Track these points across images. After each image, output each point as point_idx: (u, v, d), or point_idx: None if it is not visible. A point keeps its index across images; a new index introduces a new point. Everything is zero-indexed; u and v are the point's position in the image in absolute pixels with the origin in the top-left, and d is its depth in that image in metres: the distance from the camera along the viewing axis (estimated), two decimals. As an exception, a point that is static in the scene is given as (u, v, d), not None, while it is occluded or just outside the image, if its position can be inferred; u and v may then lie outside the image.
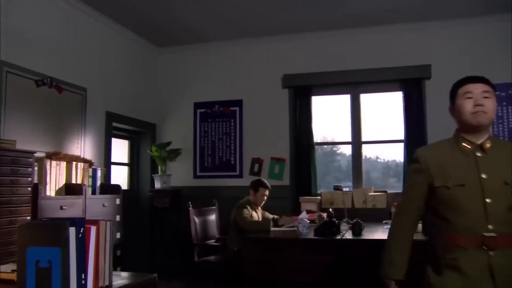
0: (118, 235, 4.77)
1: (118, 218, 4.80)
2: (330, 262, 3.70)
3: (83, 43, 5.10)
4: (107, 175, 5.42)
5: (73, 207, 4.10)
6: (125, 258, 5.22)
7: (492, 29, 5.42)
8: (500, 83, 5.21)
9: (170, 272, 5.67)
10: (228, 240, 4.76)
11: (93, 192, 4.69)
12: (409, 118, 5.55)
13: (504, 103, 5.35)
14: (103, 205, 4.57)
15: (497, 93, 5.15)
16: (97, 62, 5.36)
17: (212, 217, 5.29)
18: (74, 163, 4.47)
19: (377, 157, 6.04)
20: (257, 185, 4.86)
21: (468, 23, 5.49)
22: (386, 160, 6.09)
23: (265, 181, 4.92)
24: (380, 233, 4.14)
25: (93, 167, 4.77)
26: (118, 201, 4.82)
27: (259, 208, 4.97)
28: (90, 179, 4.70)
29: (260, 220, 4.85)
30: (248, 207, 4.73)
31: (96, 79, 5.30)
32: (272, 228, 4.52)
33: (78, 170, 4.52)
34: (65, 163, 4.38)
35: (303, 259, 3.80)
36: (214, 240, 5.13)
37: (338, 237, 3.78)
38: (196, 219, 5.00)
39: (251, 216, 4.69)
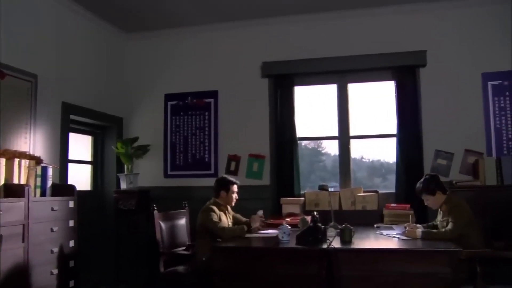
0: (71, 243, 4.13)
1: (71, 223, 4.17)
2: (315, 275, 3.16)
3: (34, 24, 4.49)
4: (63, 174, 4.83)
5: (11, 212, 3.47)
6: (83, 269, 4.63)
7: (492, 11, 4.97)
8: (502, 71, 4.81)
9: (137, 284, 5.17)
10: (196, 248, 4.18)
11: (43, 194, 4.06)
12: (402, 110, 5.08)
13: (507, 93, 4.84)
14: (52, 209, 3.94)
15: (499, 82, 4.77)
16: (52, 47, 4.75)
17: (182, 221, 4.72)
18: (17, 160, 3.83)
19: (362, 157, 5.55)
20: (227, 183, 4.33)
21: (466, 5, 5.03)
22: (376, 159, 5.63)
23: (231, 177, 4.44)
24: (372, 241, 3.62)
25: (42, 165, 4.13)
26: (71, 204, 4.20)
27: (229, 209, 4.42)
28: (39, 179, 4.06)
29: (231, 225, 4.29)
30: (216, 210, 4.17)
31: (49, 66, 4.69)
32: (247, 235, 3.97)
33: (22, 168, 3.87)
34: (4, 160, 3.74)
35: (283, 271, 3.27)
36: (184, 248, 4.57)
37: (325, 245, 3.21)
38: (163, 224, 4.42)
39: (220, 220, 4.12)
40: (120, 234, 5.47)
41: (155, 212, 4.34)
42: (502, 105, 4.86)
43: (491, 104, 4.87)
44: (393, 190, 5.10)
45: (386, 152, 5.44)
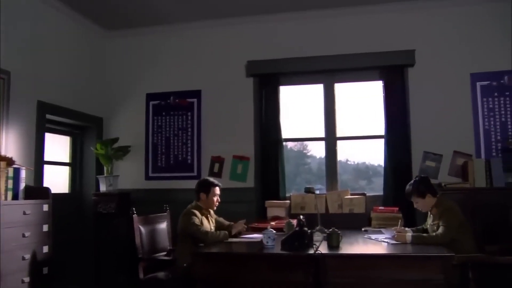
0: (44, 249, 3.92)
1: (45, 228, 3.97)
2: (301, 282, 3.03)
3: (7, 18, 4.26)
4: (38, 176, 4.61)
5: (-22, 216, 3.25)
6: (59, 276, 4.43)
7: (481, 11, 4.88)
8: (491, 71, 4.74)
9: (117, 290, 4.93)
10: (177, 254, 4.00)
11: (15, 197, 3.85)
12: (390, 111, 4.97)
13: (496, 94, 4.75)
14: (24, 213, 3.73)
15: (487, 82, 4.69)
16: (26, 43, 4.53)
17: (163, 225, 4.53)
18: (-15, 161, 3.62)
19: (347, 160, 5.45)
20: (208, 185, 4.15)
21: (455, 4, 4.94)
22: (362, 161, 5.53)
23: (213, 179, 4.26)
24: (361, 245, 3.48)
25: (14, 166, 3.92)
26: (46, 208, 4.00)
27: (212, 212, 4.25)
28: (11, 181, 3.85)
29: (213, 230, 4.11)
30: (198, 213, 3.99)
31: (24, 63, 4.48)
32: (230, 239, 3.81)
33: (-9, 169, 3.66)
34: (-29, 161, 3.53)
35: (268, 278, 3.12)
36: (164, 253, 4.38)
37: (311, 251, 3.06)
38: (143, 228, 4.23)
39: (202, 224, 3.94)
40: (99, 238, 5.27)
41: (134, 216, 4.15)
42: (491, 106, 4.77)
43: (480, 105, 4.79)
44: (379, 193, 4.99)
45: (372, 154, 5.35)
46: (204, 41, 5.55)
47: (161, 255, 4.31)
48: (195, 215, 3.93)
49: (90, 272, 5.27)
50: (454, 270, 2.99)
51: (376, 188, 5.21)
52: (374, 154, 5.28)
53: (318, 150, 5.49)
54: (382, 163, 5.02)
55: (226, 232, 3.95)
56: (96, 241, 5.28)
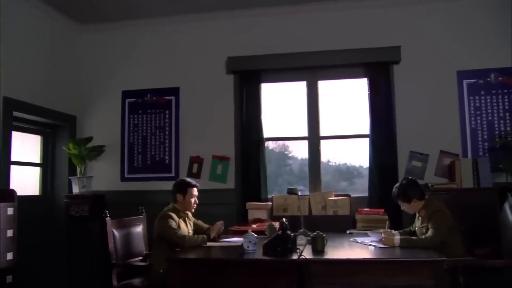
0: (8, 256, 3.66)
1: (9, 233, 3.70)
2: (285, 290, 2.80)
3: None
4: (4, 177, 4.36)
5: None
6: (28, 284, 4.17)
7: (468, 7, 4.79)
8: (478, 69, 4.63)
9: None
10: (153, 259, 3.78)
11: (-23, 200, 3.58)
12: (375, 109, 4.81)
13: (483, 92, 4.64)
14: (-14, 217, 3.46)
15: (474, 80, 4.58)
16: (-10, 36, 4.25)
17: (138, 229, 4.31)
18: None
19: (328, 161, 5.27)
20: (184, 186, 3.94)
21: None
22: (343, 162, 5.36)
23: (190, 180, 4.04)
24: (347, 250, 3.31)
25: (-24, 166, 3.65)
26: (10, 211, 3.73)
27: (189, 215, 4.04)
28: (-27, 183, 3.59)
29: (191, 233, 3.92)
30: (175, 216, 3.78)
31: (-13, 57, 4.20)
32: (209, 243, 3.61)
33: (-49, 170, 3.39)
34: None
35: (249, 285, 2.93)
36: (140, 258, 4.16)
37: (295, 256, 2.87)
38: (116, 232, 4.00)
39: (179, 227, 3.73)
40: (72, 243, 5.04)
41: (108, 219, 3.91)
42: (478, 104, 4.67)
43: (467, 104, 4.68)
44: (361, 194, 4.86)
45: (354, 155, 5.22)
46: (183, 36, 5.35)
47: (137, 261, 4.11)
48: (172, 218, 3.71)
49: (62, 279, 5.02)
50: (444, 275, 2.82)
51: (358, 189, 5.10)
52: (356, 154, 5.16)
53: (299, 151, 5.35)
54: (364, 163, 4.92)
55: (205, 236, 3.74)
56: (69, 246, 5.05)
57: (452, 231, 3.40)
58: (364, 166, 5.16)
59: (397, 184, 3.65)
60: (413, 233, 3.69)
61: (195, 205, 3.96)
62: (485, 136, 4.62)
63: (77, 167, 5.15)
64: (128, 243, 4.09)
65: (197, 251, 3.36)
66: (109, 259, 3.86)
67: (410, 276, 2.74)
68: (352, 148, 5.15)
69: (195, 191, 3.94)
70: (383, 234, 3.43)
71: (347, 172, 5.37)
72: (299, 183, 5.25)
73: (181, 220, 3.83)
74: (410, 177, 3.69)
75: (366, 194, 4.81)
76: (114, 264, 3.85)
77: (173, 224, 3.66)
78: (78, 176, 5.12)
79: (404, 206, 3.62)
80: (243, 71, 5.09)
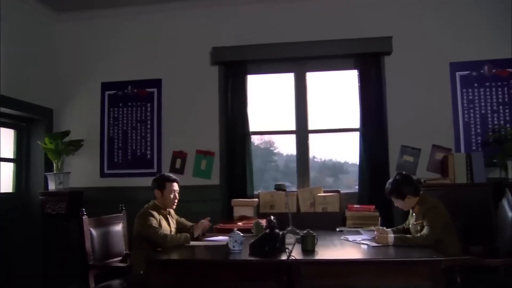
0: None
1: (-22, 232, 3.45)
2: (273, 293, 2.63)
3: None
4: (-26, 173, 4.08)
5: None
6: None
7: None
8: (471, 60, 4.51)
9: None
10: (132, 260, 3.57)
11: None
12: (365, 102, 4.67)
13: (476, 84, 4.51)
14: (-48, 216, 3.22)
15: (467, 72, 4.44)
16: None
17: (118, 227, 4.09)
18: None
19: (314, 157, 5.11)
20: (161, 180, 3.72)
21: (436, -13, 4.71)
22: (328, 158, 5.23)
23: (169, 174, 3.84)
24: (339, 249, 3.14)
25: None
26: (-21, 209, 3.48)
27: (172, 212, 3.83)
28: None
29: (174, 232, 3.71)
30: (155, 214, 3.56)
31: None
32: (192, 242, 3.43)
33: None
34: None
35: (235, 288, 2.71)
36: (120, 258, 3.93)
37: (284, 256, 2.68)
38: (94, 231, 3.77)
39: (160, 225, 3.52)
40: (48, 243, 4.86)
41: (84, 217, 3.67)
42: (471, 97, 4.53)
43: (460, 96, 4.55)
44: (348, 190, 4.73)
45: (340, 150, 5.10)
46: (165, 26, 5.16)
47: (116, 261, 3.88)
48: (152, 216, 3.49)
49: (37, 280, 4.84)
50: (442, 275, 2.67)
51: (344, 185, 4.99)
52: (343, 150, 5.06)
53: (285, 147, 5.24)
54: (350, 159, 4.81)
55: (188, 234, 3.53)
56: (45, 245, 4.87)
57: (448, 228, 3.25)
58: (350, 162, 5.07)
59: (391, 180, 3.48)
60: (406, 230, 3.54)
61: (175, 201, 3.74)
62: (478, 130, 4.49)
63: (54, 163, 4.93)
64: (106, 242, 3.87)
65: (179, 252, 3.15)
66: (86, 259, 3.65)
67: (406, 277, 2.59)
68: (339, 143, 5.03)
69: (174, 186, 3.72)
70: (375, 232, 3.27)
71: (333, 168, 5.25)
72: (285, 179, 5.11)
73: (162, 217, 3.61)
74: (404, 173, 3.52)
75: (352, 190, 4.69)
76: (91, 265, 3.63)
77: (154, 223, 3.44)
78: (55, 172, 4.92)
79: (397, 203, 3.46)
80: (228, 62, 4.92)
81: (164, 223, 3.60)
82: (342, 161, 5.18)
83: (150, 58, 5.15)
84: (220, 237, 3.63)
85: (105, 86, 5.22)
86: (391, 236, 3.11)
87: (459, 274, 2.94)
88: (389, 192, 3.44)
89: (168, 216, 3.73)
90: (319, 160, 5.20)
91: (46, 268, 4.83)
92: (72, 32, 5.34)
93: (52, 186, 4.88)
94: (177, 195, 3.74)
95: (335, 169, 5.23)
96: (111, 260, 3.84)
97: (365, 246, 3.09)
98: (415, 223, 3.37)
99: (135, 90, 5.14)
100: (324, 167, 5.22)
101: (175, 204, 3.75)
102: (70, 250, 4.71)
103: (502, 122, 4.45)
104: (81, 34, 5.33)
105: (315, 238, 2.97)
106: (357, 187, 4.68)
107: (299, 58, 4.83)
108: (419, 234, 3.16)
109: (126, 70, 5.19)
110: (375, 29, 4.67)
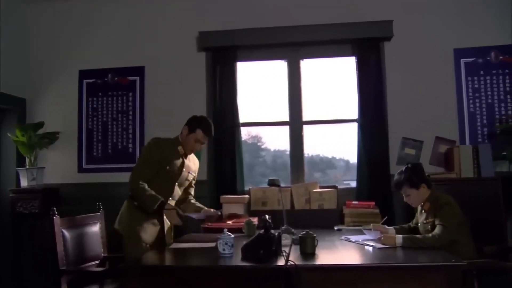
0: None
1: None
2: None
3: None
4: None
5: None
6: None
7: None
8: (476, 46, 4.31)
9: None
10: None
11: None
12: (364, 91, 4.41)
13: (482, 72, 4.26)
14: None
15: (472, 59, 4.16)
16: None
17: (95, 228, 3.72)
18: None
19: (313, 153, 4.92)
20: (195, 123, 3.43)
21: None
22: (316, 153, 4.97)
23: (211, 126, 3.49)
24: (341, 251, 2.83)
25: None
26: None
27: (195, 160, 3.63)
28: None
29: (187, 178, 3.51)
30: (166, 144, 3.40)
31: None
32: (177, 244, 3.09)
33: None
34: None
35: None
36: (97, 262, 3.61)
37: (281, 261, 2.35)
38: (67, 233, 3.40)
39: (167, 158, 3.32)
40: (19, 245, 4.55)
41: (56, 217, 3.30)
42: (476, 86, 4.29)
43: (464, 85, 4.31)
44: (354, 185, 4.44)
45: (327, 145, 4.89)
46: (148, 8, 4.88)
47: (92, 265, 3.54)
48: (158, 143, 3.35)
49: (6, 285, 4.54)
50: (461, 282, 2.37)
51: (330, 181, 4.78)
52: (331, 144, 4.86)
53: (273, 142, 5.01)
54: (337, 155, 4.69)
55: (167, 203, 3.25)
56: (15, 248, 4.56)
57: (462, 227, 2.96)
58: (338, 157, 4.93)
59: (401, 170, 3.18)
60: (413, 229, 3.24)
61: (193, 150, 3.48)
62: (485, 121, 4.26)
63: (26, 157, 4.62)
64: (81, 245, 3.50)
65: (161, 257, 2.81)
66: (57, 264, 3.29)
67: (421, 284, 2.28)
68: (331, 137, 4.81)
69: (203, 139, 3.41)
70: (378, 231, 2.97)
71: (320, 163, 5.03)
72: (274, 175, 4.78)
73: (175, 152, 3.38)
74: (415, 162, 3.25)
75: (342, 186, 4.47)
76: (64, 271, 3.27)
77: (148, 153, 3.32)
78: (27, 167, 4.62)
79: (409, 196, 3.14)
80: (216, 48, 4.64)
81: (174, 157, 3.36)
82: (330, 156, 5.00)
83: (132, 44, 4.88)
84: (194, 214, 3.38)
85: (83, 74, 4.93)
86: (399, 236, 2.80)
87: (476, 278, 2.64)
88: (402, 181, 3.13)
89: (184, 158, 3.45)
90: (307, 156, 4.94)
91: (16, 273, 4.52)
92: (46, 14, 5.03)
93: (24, 183, 4.60)
94: (198, 148, 3.47)
95: (322, 163, 5.03)
96: (87, 264, 3.50)
97: (370, 248, 2.78)
98: (425, 221, 3.06)
99: (116, 79, 4.86)
100: (311, 162, 4.96)
101: (191, 153, 3.52)
102: (44, 253, 4.33)
103: (510, 112, 4.24)
104: (55, 17, 5.02)
105: (316, 240, 2.65)
106: (345, 182, 4.41)
107: (293, 44, 4.59)
108: (430, 234, 2.85)
109: (106, 57, 4.91)
110: (374, 12, 4.46)
